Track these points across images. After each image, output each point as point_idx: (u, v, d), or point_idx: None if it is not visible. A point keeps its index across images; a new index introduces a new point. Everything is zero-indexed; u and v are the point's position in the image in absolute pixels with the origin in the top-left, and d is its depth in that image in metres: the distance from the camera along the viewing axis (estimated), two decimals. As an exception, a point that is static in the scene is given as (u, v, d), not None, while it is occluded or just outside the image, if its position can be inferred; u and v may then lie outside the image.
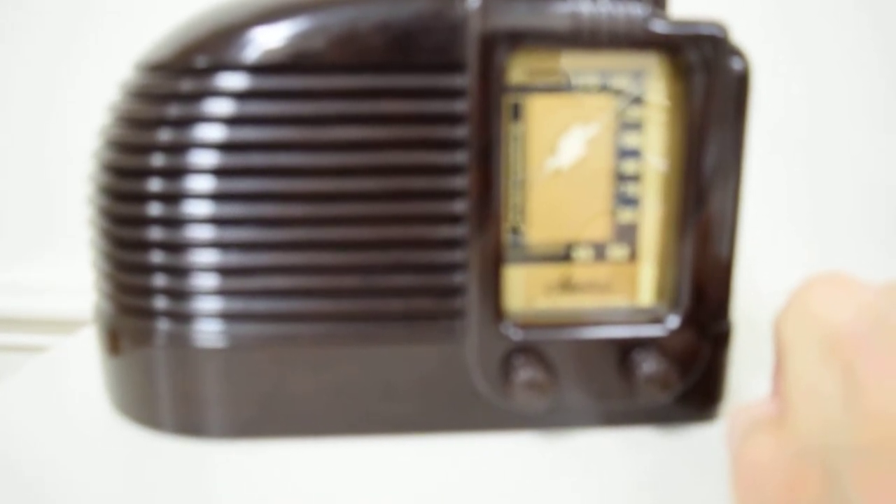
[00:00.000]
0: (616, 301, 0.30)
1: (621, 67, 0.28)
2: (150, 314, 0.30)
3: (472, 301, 0.28)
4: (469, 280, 0.28)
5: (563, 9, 0.27)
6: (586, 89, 0.28)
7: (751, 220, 0.51)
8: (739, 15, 0.50)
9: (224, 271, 0.29)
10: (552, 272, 0.30)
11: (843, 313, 0.19)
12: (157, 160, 0.28)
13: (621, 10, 0.27)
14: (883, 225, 0.53)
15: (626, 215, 0.30)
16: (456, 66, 0.27)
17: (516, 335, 0.29)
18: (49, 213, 0.58)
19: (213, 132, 0.27)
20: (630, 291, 0.30)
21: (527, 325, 0.29)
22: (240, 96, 0.27)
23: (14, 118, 0.56)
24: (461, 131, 0.27)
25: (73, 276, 0.55)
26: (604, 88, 0.28)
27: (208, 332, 0.29)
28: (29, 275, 0.59)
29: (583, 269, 0.30)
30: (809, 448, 0.17)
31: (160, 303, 0.29)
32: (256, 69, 0.27)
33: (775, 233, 0.54)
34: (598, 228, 0.30)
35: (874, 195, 0.53)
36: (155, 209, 0.28)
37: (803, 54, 0.51)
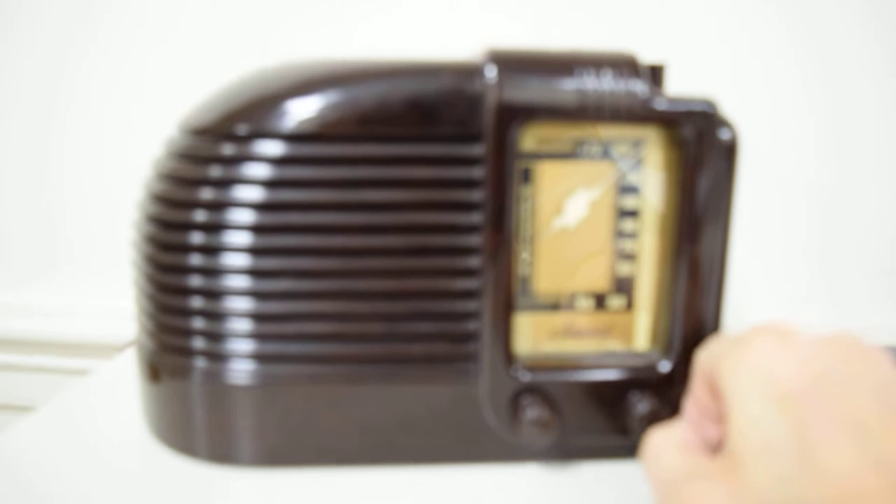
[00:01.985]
0: (614, 346, 0.33)
1: (622, 137, 0.31)
2: (188, 353, 0.32)
3: (484, 346, 0.31)
4: (482, 327, 0.31)
5: (570, 85, 0.30)
6: (590, 156, 0.31)
7: (744, 265, 0.54)
8: (750, 66, 0.53)
9: (258, 317, 0.31)
10: (557, 319, 0.33)
11: (788, 368, 0.20)
12: (200, 216, 0.31)
13: (622, 87, 0.30)
14: (881, 273, 0.56)
15: (624, 269, 0.33)
16: (474, 137, 0.30)
17: (524, 377, 0.32)
18: (92, 240, 0.60)
19: (251, 193, 0.30)
20: (627, 337, 0.33)
21: (534, 368, 0.32)
22: (277, 161, 0.30)
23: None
24: (477, 194, 0.30)
25: (113, 302, 0.58)
26: (606, 156, 0.31)
27: (242, 371, 0.32)
28: (67, 298, 0.61)
29: (585, 316, 0.33)
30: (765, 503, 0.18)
31: (198, 343, 0.32)
32: (292, 137, 0.30)
33: (766, 278, 0.57)
34: (599, 280, 0.33)
35: (873, 245, 0.56)
36: (196, 259, 0.31)
37: (816, 104, 0.54)
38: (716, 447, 0.24)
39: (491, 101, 0.29)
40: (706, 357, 0.24)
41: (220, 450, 0.33)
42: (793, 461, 0.18)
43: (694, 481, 0.21)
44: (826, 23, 0.52)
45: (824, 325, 0.22)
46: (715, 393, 0.23)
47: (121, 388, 0.40)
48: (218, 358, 0.32)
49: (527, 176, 0.31)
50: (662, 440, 0.23)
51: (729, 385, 0.21)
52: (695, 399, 0.24)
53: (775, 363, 0.20)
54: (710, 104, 0.30)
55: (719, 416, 0.23)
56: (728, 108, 0.31)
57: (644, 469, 0.23)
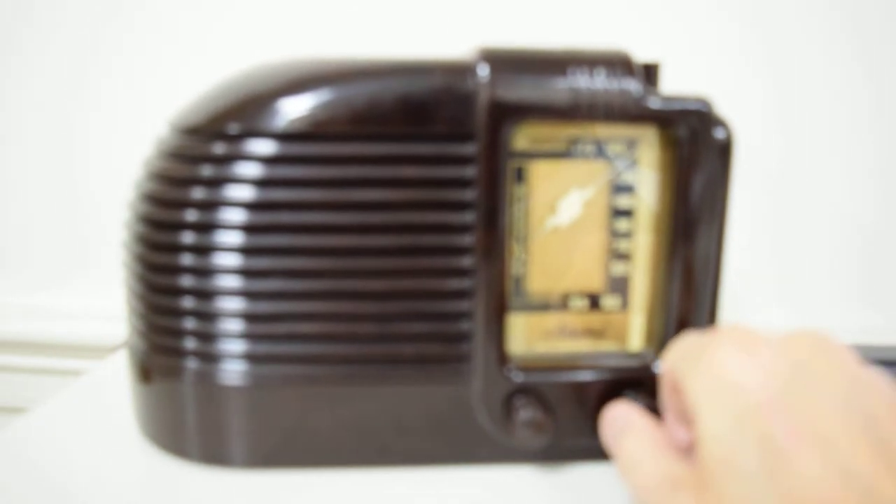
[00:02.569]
0: (608, 346, 0.33)
1: (616, 136, 0.31)
2: (180, 353, 0.32)
3: (477, 346, 0.31)
4: (475, 327, 0.31)
5: (563, 84, 0.29)
6: (584, 156, 0.31)
7: (736, 265, 0.54)
8: (725, 72, 0.53)
9: (250, 317, 0.31)
10: (551, 319, 0.33)
11: (752, 378, 0.19)
12: (191, 215, 0.30)
13: (616, 86, 0.30)
14: (856, 267, 0.56)
15: (618, 269, 0.32)
16: (466, 136, 0.29)
17: (517, 377, 0.32)
18: (82, 241, 0.60)
19: (242, 192, 0.30)
20: (621, 337, 0.33)
21: (527, 368, 0.32)
22: (268, 161, 0.30)
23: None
24: (470, 194, 0.30)
25: (105, 303, 0.58)
26: (600, 155, 0.31)
27: (234, 371, 0.32)
28: (61, 300, 0.61)
29: (578, 316, 0.33)
30: None
31: (189, 344, 0.32)
32: (283, 136, 0.29)
33: (758, 281, 0.57)
34: (593, 280, 0.32)
35: (837, 245, 0.56)
36: (187, 259, 0.31)
37: (783, 101, 0.54)
38: (688, 448, 0.23)
39: (483, 99, 0.29)
40: (671, 362, 0.23)
41: (212, 451, 0.33)
42: (759, 477, 0.18)
43: (670, 491, 0.21)
44: (797, 21, 0.52)
45: (788, 326, 0.22)
46: (681, 398, 0.23)
47: (113, 389, 0.40)
48: (209, 358, 0.32)
49: (520, 175, 0.31)
50: (636, 442, 0.23)
51: (693, 395, 0.21)
52: (665, 401, 0.24)
53: (739, 373, 0.20)
54: (705, 103, 0.30)
55: (688, 420, 0.23)
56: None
57: (620, 472, 0.23)
